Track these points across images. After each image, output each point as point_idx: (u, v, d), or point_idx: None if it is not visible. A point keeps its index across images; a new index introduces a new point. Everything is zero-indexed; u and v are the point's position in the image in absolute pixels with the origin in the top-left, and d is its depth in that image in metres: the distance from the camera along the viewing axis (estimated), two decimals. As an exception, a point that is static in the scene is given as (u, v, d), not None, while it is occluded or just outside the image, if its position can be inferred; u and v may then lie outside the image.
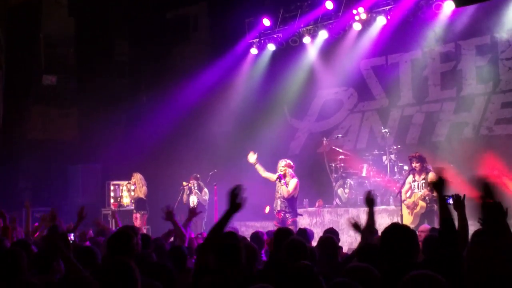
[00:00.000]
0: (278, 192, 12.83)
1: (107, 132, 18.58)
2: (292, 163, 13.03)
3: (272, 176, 13.02)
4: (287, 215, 12.54)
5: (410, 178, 12.42)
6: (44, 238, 7.90)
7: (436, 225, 10.87)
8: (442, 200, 5.05)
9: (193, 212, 8.59)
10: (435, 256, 4.80)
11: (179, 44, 19.89)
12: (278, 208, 12.72)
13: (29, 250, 6.66)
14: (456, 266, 4.28)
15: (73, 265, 5.14)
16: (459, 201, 5.54)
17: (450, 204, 5.97)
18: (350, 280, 4.18)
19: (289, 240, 6.09)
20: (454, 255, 4.51)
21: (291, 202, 12.72)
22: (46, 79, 18.80)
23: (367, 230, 6.71)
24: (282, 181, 12.66)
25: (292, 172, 12.88)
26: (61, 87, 19.17)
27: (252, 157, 13.04)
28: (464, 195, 5.63)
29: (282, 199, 12.69)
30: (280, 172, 12.77)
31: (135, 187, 16.32)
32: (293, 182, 12.67)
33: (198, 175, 16.10)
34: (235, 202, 5.05)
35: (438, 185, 5.09)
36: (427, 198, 12.00)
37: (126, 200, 17.42)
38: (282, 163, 12.93)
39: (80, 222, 8.46)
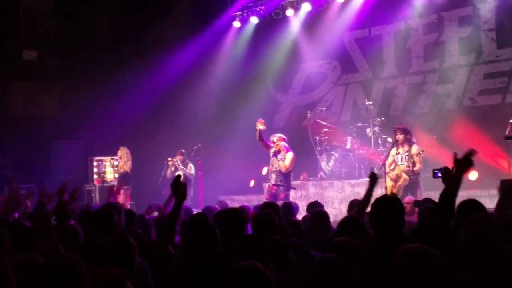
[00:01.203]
0: (273, 166, 12.68)
1: (89, 107, 18.40)
2: (284, 136, 12.91)
3: (267, 146, 12.82)
4: (281, 189, 12.45)
5: (394, 151, 12.42)
6: (29, 216, 7.80)
7: (419, 197, 10.93)
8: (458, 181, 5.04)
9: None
10: (426, 228, 4.81)
11: (161, 18, 19.69)
12: (273, 182, 12.60)
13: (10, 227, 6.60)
14: (446, 237, 4.28)
15: (57, 245, 5.10)
16: (448, 174, 5.52)
17: (439, 177, 5.98)
18: (337, 255, 4.16)
19: (255, 215, 6.07)
20: (445, 227, 4.51)
21: (287, 176, 12.64)
22: (26, 55, 18.56)
23: (361, 205, 6.68)
24: (278, 156, 12.53)
25: (286, 145, 12.76)
26: (42, 62, 18.93)
27: (260, 125, 12.70)
28: (453, 168, 5.61)
29: (277, 173, 12.58)
30: (274, 147, 12.62)
31: (120, 161, 16.20)
32: (289, 156, 12.55)
33: (183, 150, 16.05)
34: (179, 191, 5.07)
35: (463, 165, 5.06)
36: (407, 172, 12.00)
37: (109, 176, 17.32)
38: (274, 138, 12.80)
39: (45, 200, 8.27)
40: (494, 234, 4.00)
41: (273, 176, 12.65)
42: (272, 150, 12.68)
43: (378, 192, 12.94)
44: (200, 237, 4.98)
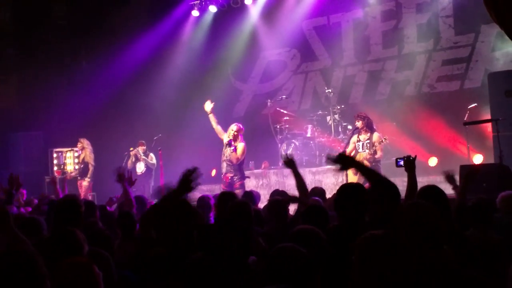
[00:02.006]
0: (224, 155, 12.63)
1: (47, 98, 18.16)
2: (242, 127, 12.84)
3: (222, 133, 12.73)
4: (235, 178, 12.40)
5: (355, 138, 12.50)
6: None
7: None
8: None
9: (130, 180, 8.28)
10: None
11: (119, 7, 19.48)
12: (224, 171, 12.58)
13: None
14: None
15: (15, 237, 5.00)
16: (410, 163, 5.57)
17: (401, 166, 6.03)
18: (295, 244, 4.15)
19: (232, 203, 6.02)
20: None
21: (239, 165, 12.62)
22: (-18, 45, 18.28)
23: (301, 190, 6.70)
24: (232, 147, 12.46)
25: (241, 136, 12.71)
26: (-1, 53, 18.66)
27: (208, 106, 12.68)
28: (415, 156, 5.66)
29: (228, 162, 12.55)
30: (230, 137, 12.53)
31: (82, 153, 15.99)
32: (240, 147, 12.44)
33: (144, 141, 15.97)
34: (188, 185, 4.93)
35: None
36: (368, 159, 12.08)
37: (69, 167, 17.15)
38: (234, 127, 12.63)
39: (13, 191, 8.06)
40: (429, 220, 4.00)
41: (224, 165, 12.58)
42: (226, 136, 12.57)
43: (339, 180, 13.08)
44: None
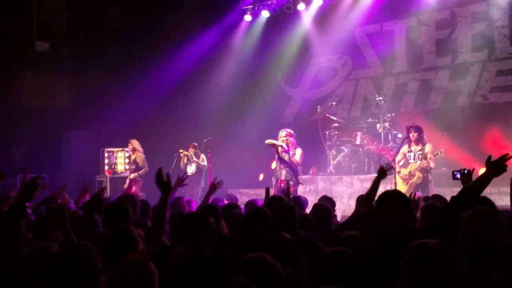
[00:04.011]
0: (283, 162, 12.74)
1: (101, 99, 18.52)
2: (292, 132, 12.93)
3: (275, 143, 12.85)
4: (290, 183, 12.46)
5: (405, 148, 12.46)
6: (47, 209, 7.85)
7: (429, 194, 10.95)
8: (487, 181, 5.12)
9: (214, 186, 8.41)
10: (434, 223, 4.85)
11: (172, 11, 19.75)
12: (283, 178, 12.65)
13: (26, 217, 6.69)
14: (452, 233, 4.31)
15: (70, 235, 5.18)
16: (467, 177, 5.50)
17: (458, 179, 5.96)
18: (344, 248, 4.21)
19: (277, 206, 6.07)
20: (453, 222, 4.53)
21: (296, 171, 12.74)
22: (39, 46, 18.63)
23: (366, 199, 6.71)
24: (291, 153, 12.56)
25: (294, 141, 12.80)
26: (54, 53, 18.99)
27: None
28: (473, 170, 5.60)
29: (287, 169, 12.65)
30: (282, 143, 12.63)
31: (132, 153, 16.17)
32: (299, 152, 12.66)
33: (196, 144, 16.14)
34: (164, 183, 5.09)
35: (499, 167, 5.11)
36: (425, 168, 12.05)
37: (120, 167, 17.43)
38: (282, 133, 12.77)
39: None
40: (491, 228, 4.03)
41: (283, 172, 12.67)
42: (280, 148, 12.69)
43: (387, 188, 13.01)
44: (202, 230, 5.02)
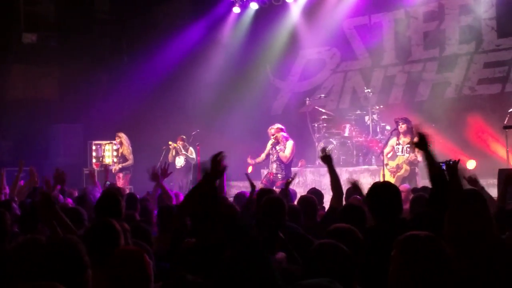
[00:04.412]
0: (273, 156, 12.78)
1: (88, 91, 18.48)
2: (282, 126, 12.93)
3: (264, 153, 12.97)
4: (279, 176, 12.48)
5: (394, 140, 12.49)
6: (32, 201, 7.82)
7: (416, 185, 10.99)
8: (429, 157, 5.14)
9: (164, 173, 8.40)
10: (423, 214, 4.89)
11: (161, 3, 19.68)
12: (273, 171, 12.70)
13: (11, 211, 6.68)
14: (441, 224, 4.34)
15: (57, 229, 5.16)
16: (452, 168, 5.50)
17: (443, 170, 6.00)
18: (334, 241, 4.20)
19: (266, 198, 6.07)
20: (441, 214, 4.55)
21: (288, 165, 12.74)
22: (26, 37, 18.56)
23: (335, 188, 6.74)
24: (277, 147, 12.57)
25: (285, 134, 12.79)
26: (42, 45, 18.92)
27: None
28: (458, 160, 5.62)
29: (278, 163, 12.66)
30: (272, 140, 12.67)
31: (120, 147, 16.15)
32: (289, 145, 12.65)
33: (184, 137, 16.13)
34: (216, 168, 4.97)
35: (422, 143, 5.17)
36: (412, 161, 12.08)
37: (108, 160, 17.37)
38: (271, 130, 12.85)
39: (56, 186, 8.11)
40: (477, 222, 4.06)
41: (274, 166, 12.71)
42: (269, 144, 12.73)
43: (376, 179, 13.05)
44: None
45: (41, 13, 18.95)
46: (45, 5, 19.08)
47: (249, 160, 13.32)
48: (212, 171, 4.83)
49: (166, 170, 8.32)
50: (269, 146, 12.90)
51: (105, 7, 20.26)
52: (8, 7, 18.23)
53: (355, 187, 7.43)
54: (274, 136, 12.68)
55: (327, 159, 6.77)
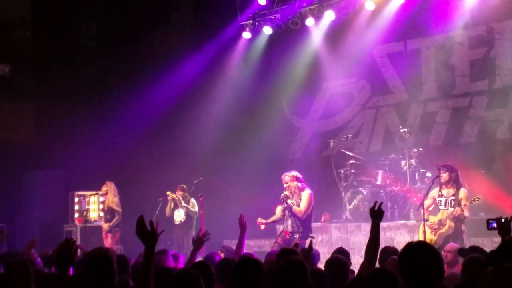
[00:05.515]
0: (287, 210, 12.62)
1: (70, 132, 18.53)
2: (298, 174, 12.75)
3: (278, 212, 12.96)
4: (296, 236, 12.31)
5: (435, 192, 12.31)
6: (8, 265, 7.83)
7: (463, 245, 10.90)
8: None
9: (200, 241, 8.27)
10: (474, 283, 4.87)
11: (157, 26, 19.87)
12: (290, 229, 12.51)
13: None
14: None
15: None
16: (504, 225, 5.48)
17: (494, 228, 5.98)
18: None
19: (284, 261, 6.05)
20: None
21: (305, 221, 12.49)
22: (-3, 69, 18.79)
23: (371, 250, 6.71)
24: (290, 201, 12.43)
25: (300, 185, 12.56)
26: (16, 78, 19.11)
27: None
28: (511, 218, 5.60)
29: (293, 219, 12.50)
30: (284, 193, 12.59)
31: (104, 198, 16.12)
32: (305, 196, 12.40)
33: (185, 186, 16.11)
34: (147, 233, 5.05)
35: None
36: (458, 217, 11.95)
37: (93, 215, 17.36)
38: (285, 177, 12.69)
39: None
40: None
41: (289, 222, 12.51)
42: (283, 195, 12.62)
43: (415, 238, 12.98)
44: None
45: (15, 41, 19.14)
46: (20, 31, 19.29)
47: (260, 221, 13.27)
48: (145, 239, 4.93)
49: (155, 228, 8.17)
50: (279, 209, 12.90)
51: (91, 31, 20.43)
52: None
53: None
54: (288, 185, 12.56)
55: (377, 215, 6.67)
